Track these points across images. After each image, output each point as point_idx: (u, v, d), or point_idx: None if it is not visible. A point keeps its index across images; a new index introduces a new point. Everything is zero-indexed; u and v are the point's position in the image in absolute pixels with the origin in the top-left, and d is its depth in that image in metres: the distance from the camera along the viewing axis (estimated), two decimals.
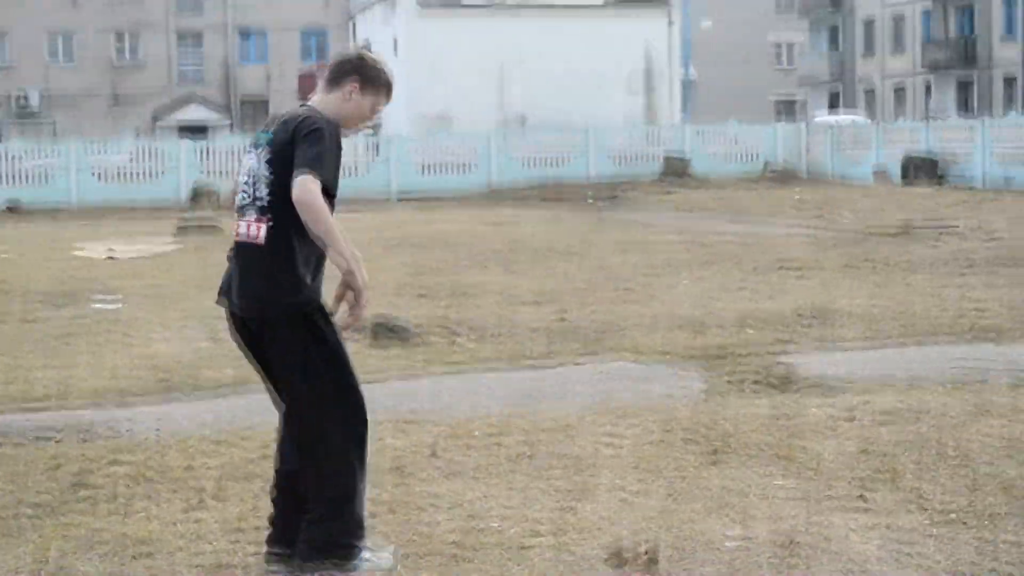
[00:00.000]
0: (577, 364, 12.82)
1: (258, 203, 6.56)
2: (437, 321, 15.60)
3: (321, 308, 6.60)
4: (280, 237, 6.50)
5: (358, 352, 13.40)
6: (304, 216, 6.32)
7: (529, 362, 12.93)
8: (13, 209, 41.89)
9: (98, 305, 18.25)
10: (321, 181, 6.36)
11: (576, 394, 11.24)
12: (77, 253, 26.75)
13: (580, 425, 9.82)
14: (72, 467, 8.96)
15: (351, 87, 6.72)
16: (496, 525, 7.35)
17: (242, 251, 6.64)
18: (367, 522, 6.77)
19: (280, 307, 6.55)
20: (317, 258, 6.60)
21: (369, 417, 6.77)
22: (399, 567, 6.69)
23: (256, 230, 6.53)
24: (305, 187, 6.31)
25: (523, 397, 11.16)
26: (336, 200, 6.51)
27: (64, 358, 13.80)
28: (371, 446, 8.61)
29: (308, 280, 6.58)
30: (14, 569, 6.84)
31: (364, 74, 6.76)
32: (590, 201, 40.87)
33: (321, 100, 6.77)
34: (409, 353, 13.57)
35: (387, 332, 14.55)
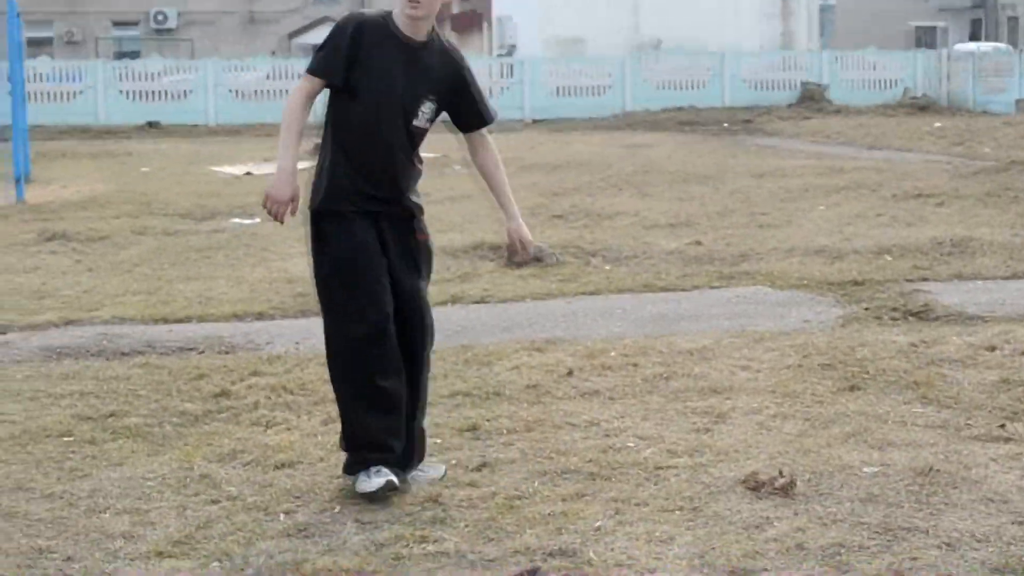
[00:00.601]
0: (713, 288, 12.78)
1: None
2: (572, 243, 15.61)
3: (332, 214, 6.66)
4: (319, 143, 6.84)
5: (493, 272, 13.60)
6: None
7: (664, 286, 12.91)
8: (153, 126, 42.43)
9: (236, 220, 18.48)
10: (308, 74, 6.70)
11: (712, 318, 11.22)
12: (215, 169, 27.07)
13: (717, 349, 9.81)
14: (214, 379, 9.14)
15: None
16: (632, 445, 7.39)
17: None
18: (384, 442, 6.71)
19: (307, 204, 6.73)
20: (346, 164, 6.68)
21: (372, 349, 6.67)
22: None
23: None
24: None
25: (659, 321, 11.18)
26: (369, 94, 6.64)
27: (204, 272, 14.03)
28: (484, 368, 8.77)
29: (324, 183, 6.68)
30: (160, 476, 6.99)
31: None
32: (725, 126, 40.58)
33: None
34: (545, 274, 13.60)
35: None
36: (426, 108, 6.77)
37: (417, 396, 6.91)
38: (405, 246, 6.83)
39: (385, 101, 6.64)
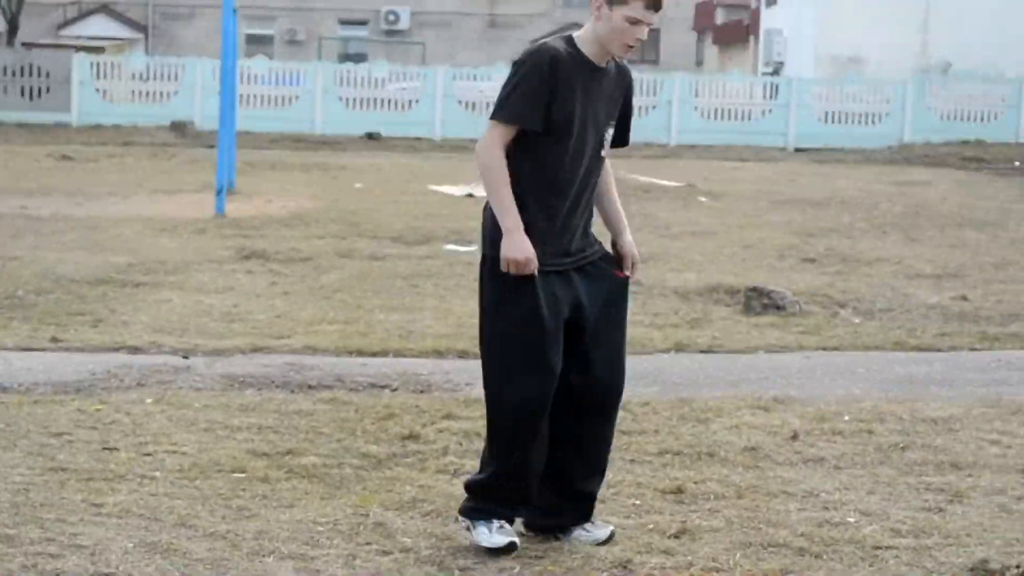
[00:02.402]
0: (973, 350, 12.70)
1: None
2: (820, 291, 15.65)
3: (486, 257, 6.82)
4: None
5: (726, 319, 13.68)
6: None
7: (917, 345, 12.86)
8: (372, 137, 43.11)
9: (451, 247, 18.81)
10: (501, 123, 6.67)
11: (967, 384, 11.14)
12: (434, 188, 27.52)
13: (965, 419, 9.76)
14: (404, 420, 9.35)
15: (596, 3, 6.69)
16: (852, 521, 7.41)
17: None
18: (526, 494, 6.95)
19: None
20: (536, 206, 6.75)
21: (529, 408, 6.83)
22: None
23: None
24: (479, 143, 6.75)
25: (905, 384, 11.14)
26: (565, 131, 6.68)
27: (409, 303, 14.36)
28: (701, 426, 8.87)
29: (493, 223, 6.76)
30: (332, 521, 7.20)
31: None
32: (1016, 165, 39.88)
33: (585, 27, 6.86)
34: (784, 324, 13.66)
35: (761, 300, 14.65)
36: (608, 134, 6.94)
37: (600, 458, 7.11)
38: (608, 295, 6.99)
39: (582, 136, 6.75)
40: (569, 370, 6.87)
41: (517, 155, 6.70)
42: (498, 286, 6.77)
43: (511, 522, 6.90)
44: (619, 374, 7.05)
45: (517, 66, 6.71)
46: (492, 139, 6.68)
